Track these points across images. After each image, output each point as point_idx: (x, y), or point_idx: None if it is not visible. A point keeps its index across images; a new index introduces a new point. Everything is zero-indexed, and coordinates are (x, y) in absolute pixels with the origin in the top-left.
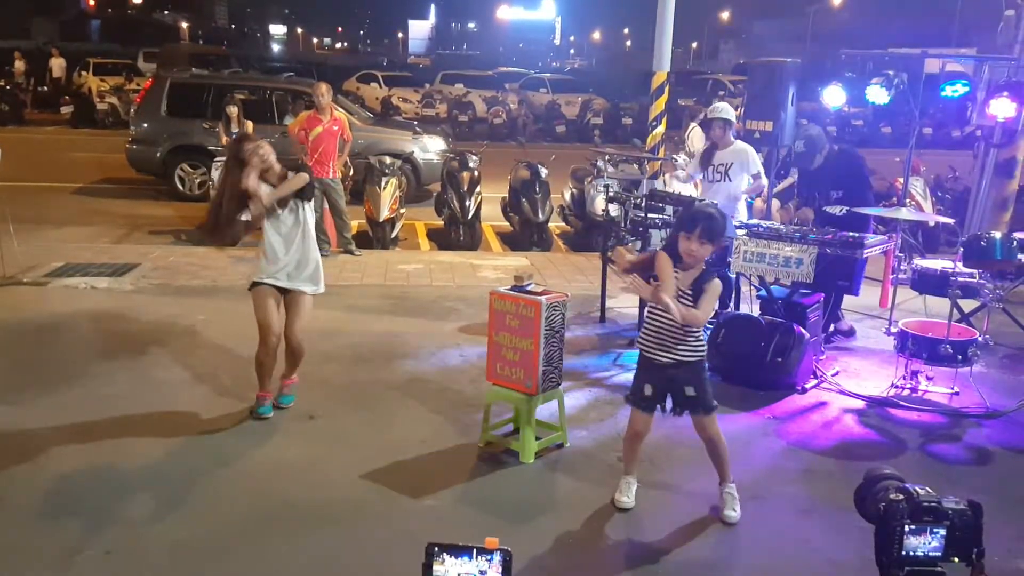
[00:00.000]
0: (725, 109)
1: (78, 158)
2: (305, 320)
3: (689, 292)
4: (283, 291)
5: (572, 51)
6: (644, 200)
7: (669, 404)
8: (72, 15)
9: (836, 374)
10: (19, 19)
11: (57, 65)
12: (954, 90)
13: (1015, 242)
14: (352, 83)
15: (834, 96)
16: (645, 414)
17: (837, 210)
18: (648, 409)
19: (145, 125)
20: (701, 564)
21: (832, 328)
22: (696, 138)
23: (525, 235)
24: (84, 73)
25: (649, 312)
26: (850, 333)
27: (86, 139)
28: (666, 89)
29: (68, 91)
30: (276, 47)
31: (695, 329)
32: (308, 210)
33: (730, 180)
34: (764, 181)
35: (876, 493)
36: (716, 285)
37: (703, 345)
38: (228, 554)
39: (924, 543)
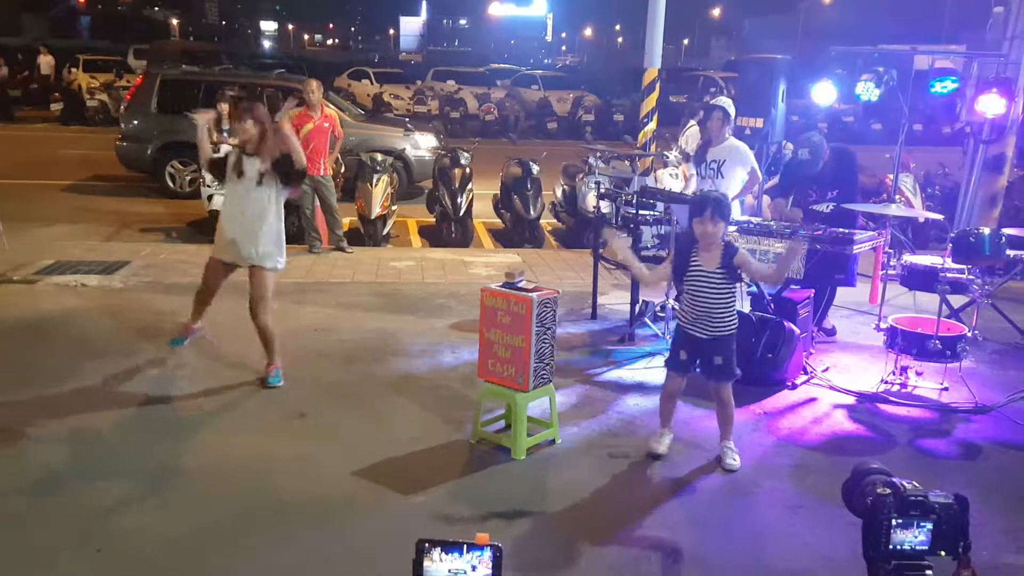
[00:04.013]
0: (727, 102)
1: (68, 155)
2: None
3: (721, 270)
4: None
5: (564, 47)
6: (635, 197)
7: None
8: (62, 11)
9: (826, 370)
10: (8, 16)
11: (45, 62)
12: (943, 86)
13: (1004, 238)
14: (343, 80)
15: (824, 93)
16: (677, 375)
17: (824, 207)
18: (680, 371)
19: (135, 122)
20: (691, 559)
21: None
22: (692, 136)
23: (517, 232)
24: (74, 70)
25: (688, 293)
26: (831, 331)
27: (76, 136)
28: (657, 86)
29: (58, 88)
30: (267, 43)
31: (730, 307)
32: (274, 191)
33: (723, 177)
34: (759, 176)
35: (863, 487)
36: (744, 253)
37: (735, 320)
38: (219, 551)
39: (911, 537)
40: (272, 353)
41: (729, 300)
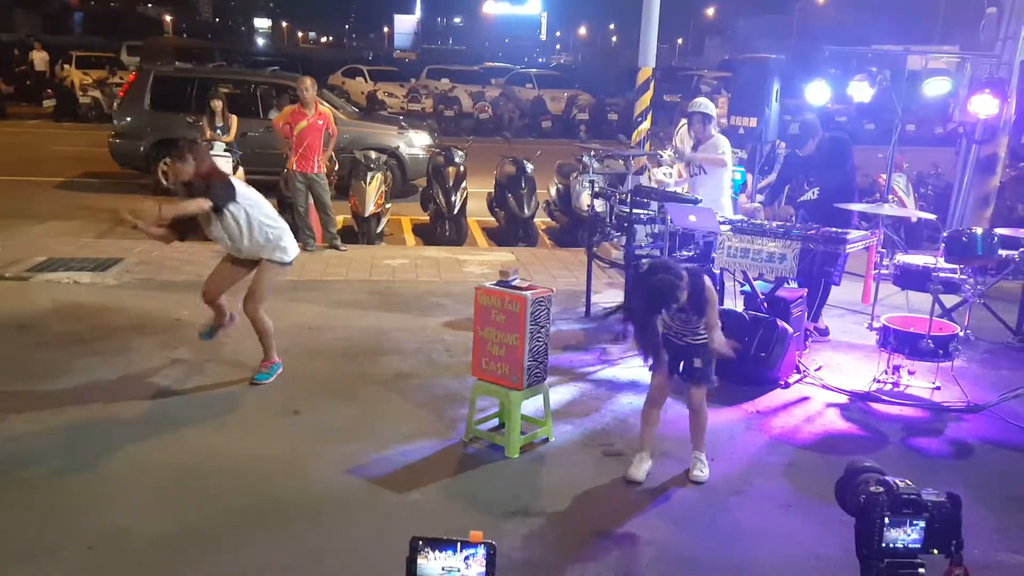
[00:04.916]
0: (704, 104)
1: (60, 152)
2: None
3: (687, 306)
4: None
5: (558, 46)
6: (629, 196)
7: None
8: (55, 8)
9: (819, 369)
10: (0, 12)
11: (39, 58)
12: (936, 87)
13: (996, 238)
14: (337, 77)
15: (818, 92)
16: (661, 378)
17: (810, 195)
18: (662, 372)
19: (128, 119)
20: (684, 558)
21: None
22: (685, 136)
23: (511, 230)
24: (67, 66)
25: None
26: (824, 331)
27: (69, 133)
28: (651, 85)
29: (50, 84)
30: (260, 41)
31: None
32: (234, 211)
33: (705, 173)
34: (727, 161)
35: (856, 486)
36: (710, 291)
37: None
38: (211, 549)
39: (904, 535)
40: (266, 348)
41: (703, 318)
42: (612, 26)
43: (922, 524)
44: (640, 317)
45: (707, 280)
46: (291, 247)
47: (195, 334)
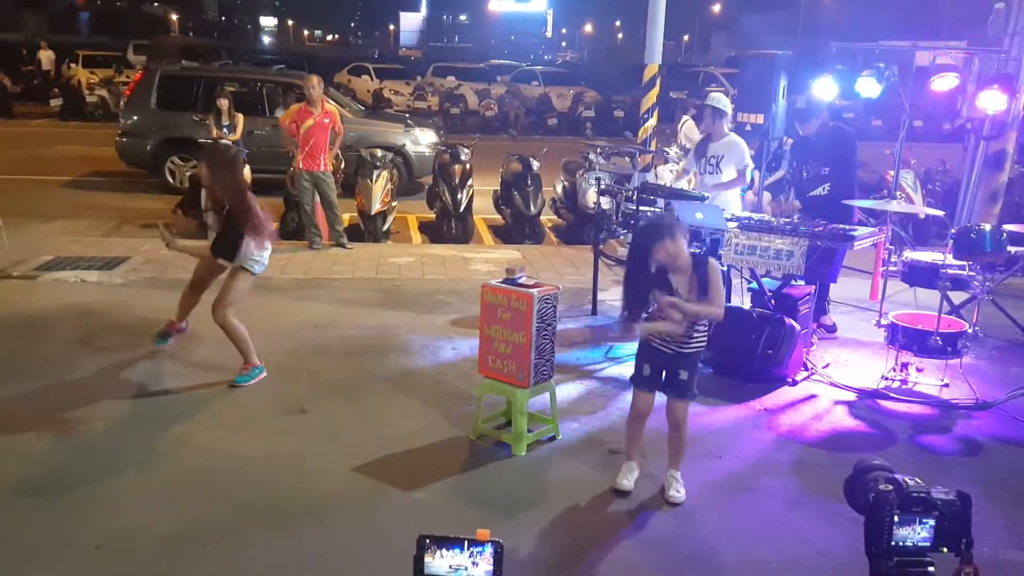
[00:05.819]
0: (718, 99)
1: (67, 151)
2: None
3: (693, 284)
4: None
5: (564, 44)
6: (635, 193)
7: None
8: (61, 7)
9: (827, 366)
10: (7, 11)
11: (46, 58)
12: (944, 83)
13: (1005, 234)
14: (343, 75)
15: (825, 89)
16: (645, 393)
17: (821, 190)
18: (647, 387)
19: (135, 118)
20: (692, 556)
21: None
22: (689, 131)
23: (517, 228)
24: (73, 65)
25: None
26: (832, 328)
27: (75, 132)
28: (657, 82)
29: (57, 84)
30: (266, 39)
31: (701, 324)
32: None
33: (720, 172)
34: (748, 178)
35: (866, 484)
36: (715, 269)
37: (705, 337)
38: (218, 547)
39: (913, 533)
40: (243, 352)
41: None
42: (618, 23)
43: (932, 522)
44: (633, 265)
45: (712, 261)
46: (266, 260)
47: (200, 333)
